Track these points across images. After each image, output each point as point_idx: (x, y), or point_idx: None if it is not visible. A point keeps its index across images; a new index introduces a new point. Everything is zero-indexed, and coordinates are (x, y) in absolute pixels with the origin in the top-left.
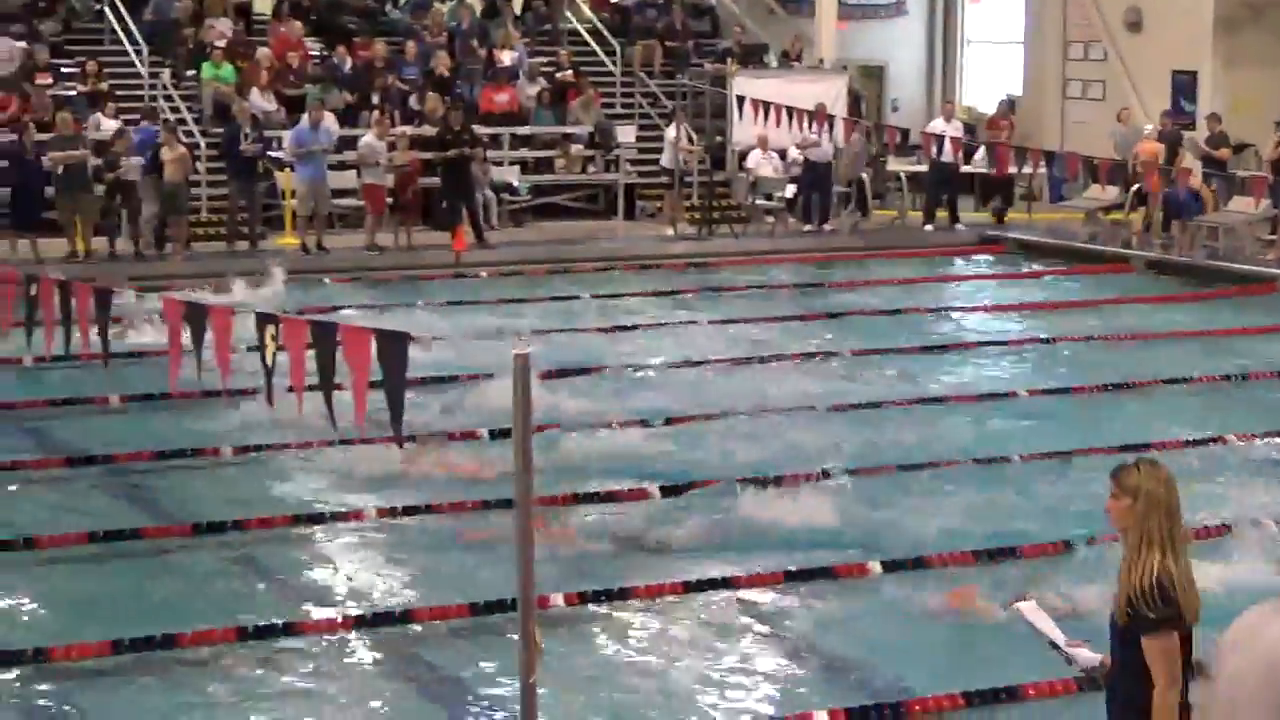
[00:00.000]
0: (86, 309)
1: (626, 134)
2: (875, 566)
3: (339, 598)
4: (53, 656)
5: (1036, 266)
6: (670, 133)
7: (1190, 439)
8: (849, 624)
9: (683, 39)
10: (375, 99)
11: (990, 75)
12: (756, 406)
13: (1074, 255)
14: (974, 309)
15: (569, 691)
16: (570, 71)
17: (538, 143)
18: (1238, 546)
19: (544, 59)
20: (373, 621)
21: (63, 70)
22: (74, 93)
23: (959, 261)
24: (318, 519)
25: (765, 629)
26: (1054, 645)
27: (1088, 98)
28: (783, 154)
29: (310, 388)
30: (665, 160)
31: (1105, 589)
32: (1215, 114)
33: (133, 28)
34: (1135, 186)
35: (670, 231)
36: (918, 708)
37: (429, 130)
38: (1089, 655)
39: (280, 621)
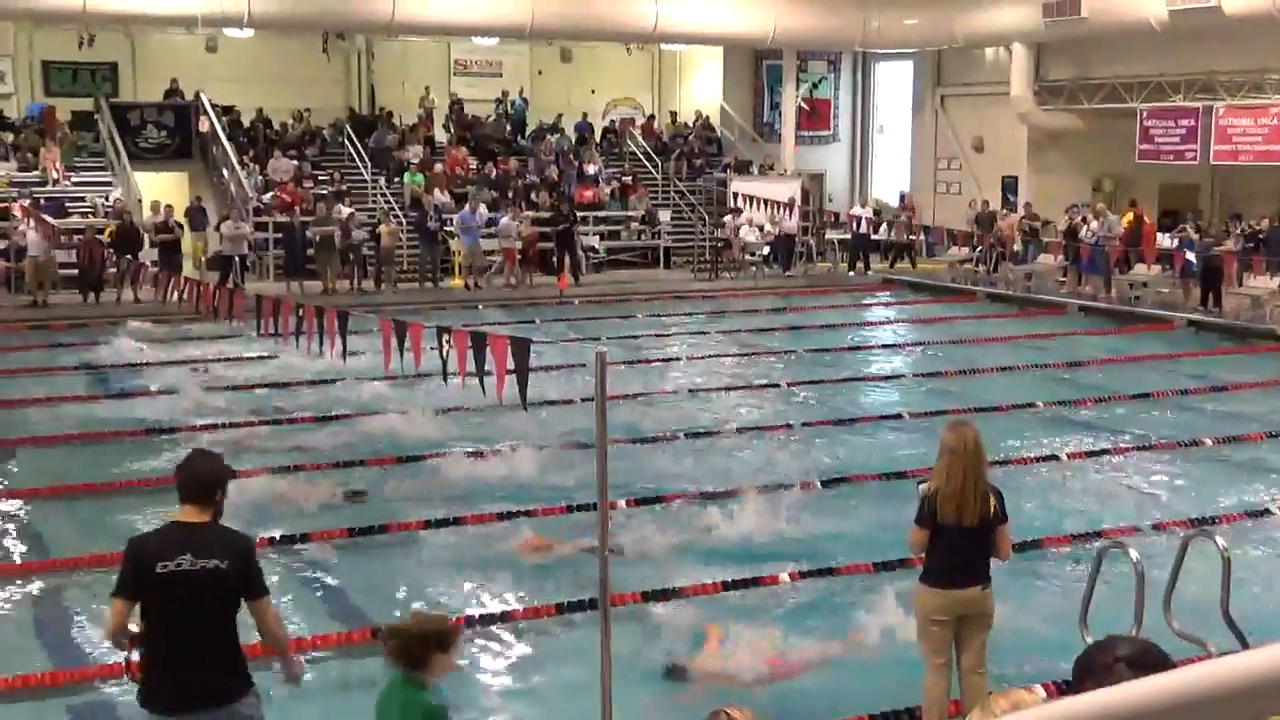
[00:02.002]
0: (333, 324)
1: (665, 215)
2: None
3: None
4: None
5: (917, 296)
6: (730, 220)
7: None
8: None
9: (699, 157)
10: (510, 194)
11: (889, 179)
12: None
13: (940, 290)
14: (878, 323)
15: None
16: (630, 177)
17: (610, 221)
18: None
19: (614, 169)
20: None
21: (319, 177)
22: (325, 191)
23: (870, 295)
24: None
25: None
26: None
27: (950, 193)
28: (761, 227)
29: (469, 373)
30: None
31: None
32: (1029, 202)
33: (361, 151)
34: (980, 247)
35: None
36: None
37: (544, 214)
38: None
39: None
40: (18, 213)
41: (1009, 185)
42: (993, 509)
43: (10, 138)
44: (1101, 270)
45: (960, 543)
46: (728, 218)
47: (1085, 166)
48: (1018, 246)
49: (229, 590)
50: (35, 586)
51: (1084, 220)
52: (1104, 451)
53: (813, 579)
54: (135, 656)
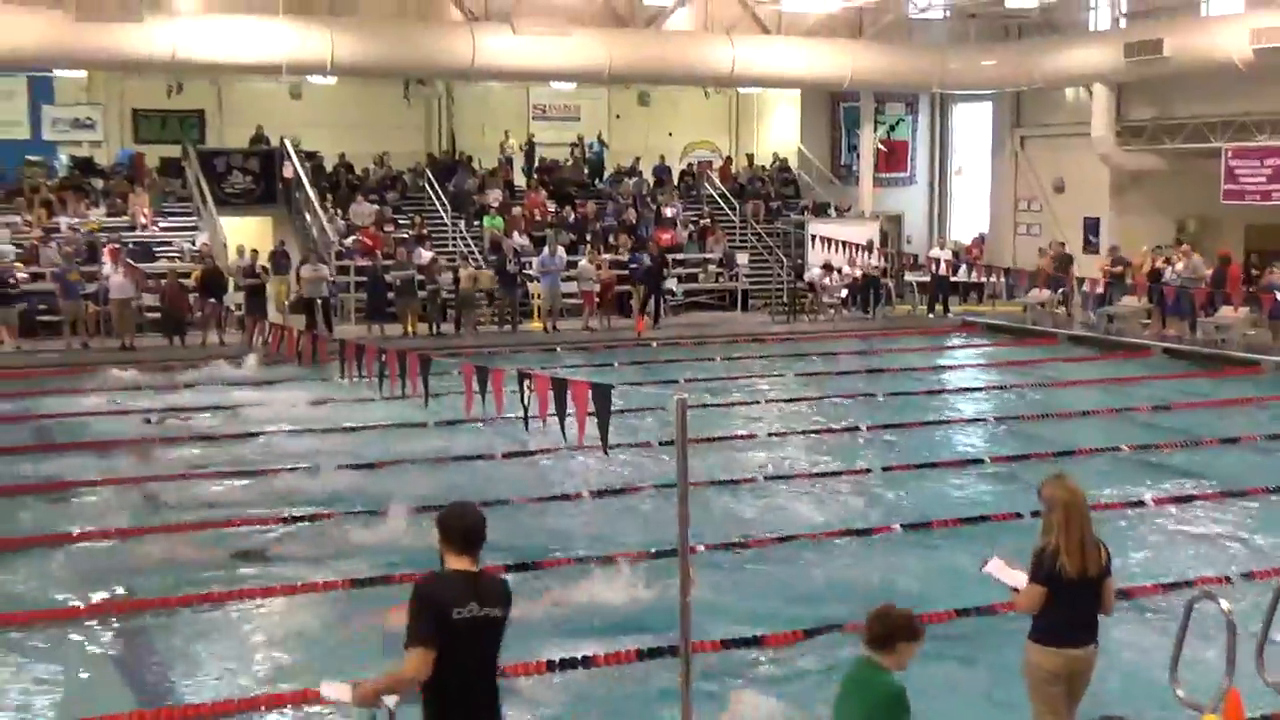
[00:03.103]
0: (415, 368)
1: (742, 258)
2: None
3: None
4: None
5: (996, 339)
6: (817, 272)
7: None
8: None
9: (776, 199)
10: (588, 237)
11: (967, 220)
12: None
13: (1021, 332)
14: (957, 366)
15: None
16: (708, 220)
17: (688, 264)
18: None
19: (691, 212)
20: None
21: (399, 221)
22: (406, 235)
23: (949, 337)
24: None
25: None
26: (1013, 589)
27: (1029, 234)
28: (839, 269)
29: (550, 414)
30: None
31: None
32: (1115, 245)
33: (441, 195)
34: (1061, 289)
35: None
36: None
37: (622, 256)
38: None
39: None
40: (106, 257)
41: (1090, 226)
42: (1104, 559)
43: (101, 184)
44: (1186, 312)
45: (1079, 597)
46: (815, 270)
47: (1168, 207)
48: (1100, 289)
49: (501, 635)
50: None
51: (1167, 261)
52: (1191, 497)
53: None
54: (391, 704)
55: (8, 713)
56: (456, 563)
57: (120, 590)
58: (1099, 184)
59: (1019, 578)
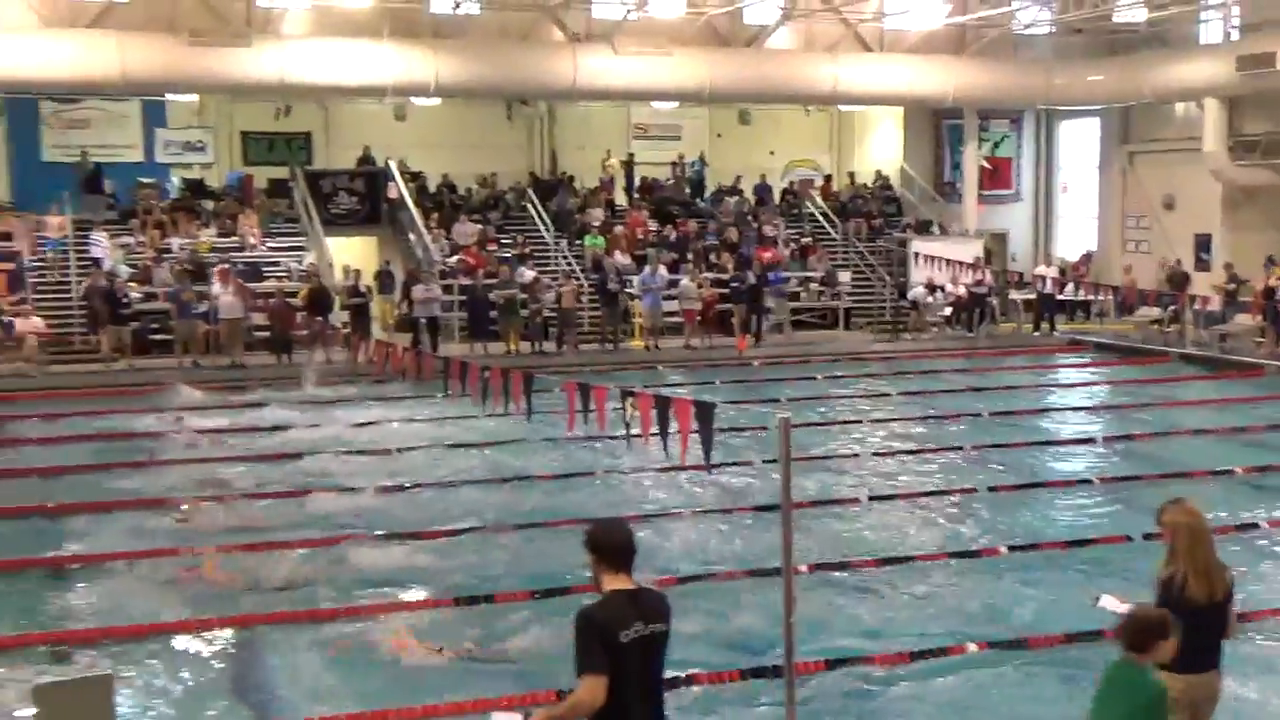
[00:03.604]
0: (518, 385)
1: (844, 276)
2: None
3: None
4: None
5: (1105, 357)
6: (920, 290)
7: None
8: None
9: (879, 217)
10: (689, 256)
11: (1074, 237)
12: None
13: (1130, 351)
14: (1064, 385)
15: None
16: (809, 238)
17: (790, 282)
18: None
19: (793, 230)
20: None
21: (502, 241)
22: (509, 255)
23: (1056, 356)
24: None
25: None
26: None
27: (1139, 251)
28: (942, 287)
29: (653, 434)
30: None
31: None
32: (1229, 262)
33: (544, 214)
34: (1172, 307)
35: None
36: None
37: (723, 275)
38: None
39: None
40: (216, 278)
41: (1202, 243)
42: (1229, 583)
43: (211, 205)
44: None
45: (1205, 623)
46: (918, 288)
47: None
48: (1214, 306)
49: (665, 650)
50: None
51: None
52: None
53: (999, 649)
54: None
55: None
56: (614, 582)
57: (238, 606)
58: (1210, 200)
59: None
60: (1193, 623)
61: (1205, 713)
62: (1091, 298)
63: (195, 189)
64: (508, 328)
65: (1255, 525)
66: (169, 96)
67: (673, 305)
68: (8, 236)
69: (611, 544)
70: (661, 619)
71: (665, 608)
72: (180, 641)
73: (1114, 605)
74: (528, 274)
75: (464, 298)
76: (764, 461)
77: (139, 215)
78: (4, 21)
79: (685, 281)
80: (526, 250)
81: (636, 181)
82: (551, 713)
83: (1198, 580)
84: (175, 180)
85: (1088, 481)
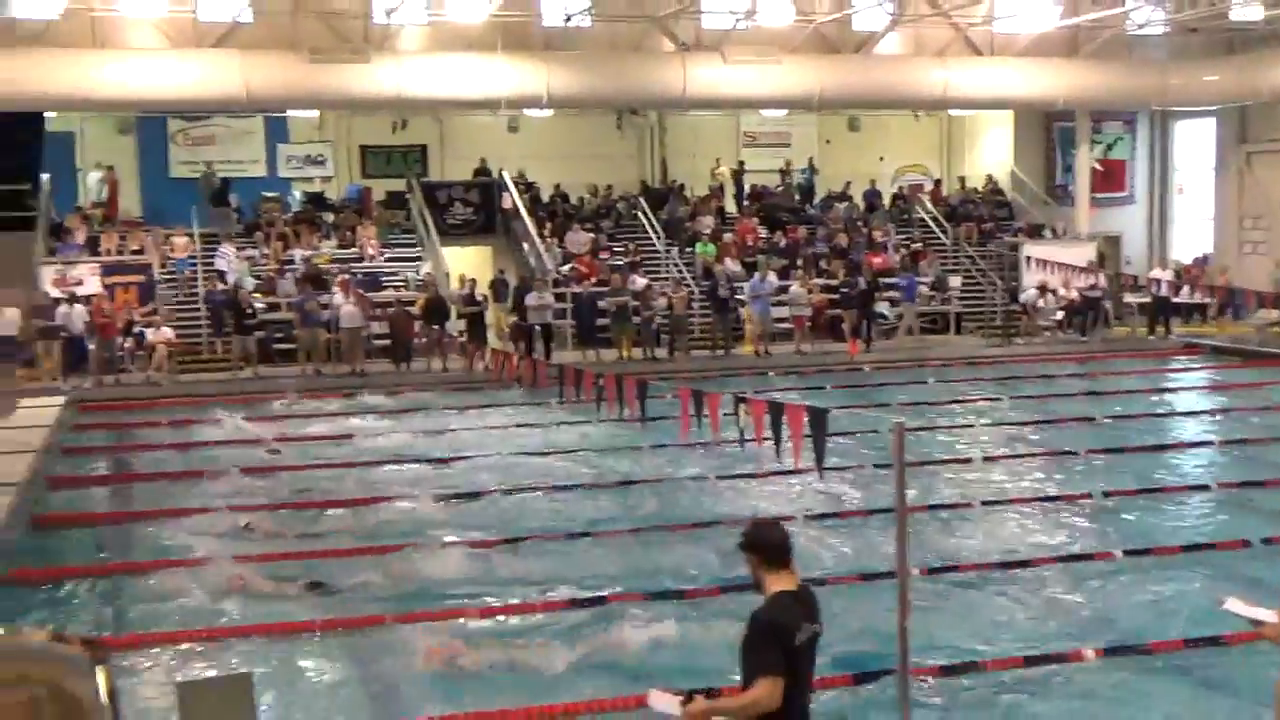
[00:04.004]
0: (632, 390)
1: (955, 281)
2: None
3: None
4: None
5: (1222, 361)
6: (1032, 293)
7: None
8: None
9: (989, 221)
10: (799, 262)
11: (1190, 239)
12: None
13: (1247, 354)
14: (1180, 389)
15: None
16: (920, 243)
17: (899, 287)
18: None
19: (902, 236)
20: None
21: (614, 249)
22: (620, 262)
23: (1171, 360)
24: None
25: None
26: (1255, 621)
27: (1256, 253)
28: (1055, 291)
29: (764, 439)
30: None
31: None
32: None
33: (654, 223)
34: None
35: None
36: None
37: (833, 281)
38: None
39: None
40: (337, 288)
41: None
42: None
43: (331, 218)
44: None
45: None
46: (1030, 292)
47: None
48: None
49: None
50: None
51: None
52: None
53: (1119, 655)
54: None
55: None
56: (778, 582)
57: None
58: None
59: (1261, 612)
60: None
61: None
62: (1207, 300)
63: (316, 202)
64: (620, 335)
65: None
66: (290, 113)
67: (783, 311)
68: (139, 251)
69: (770, 543)
70: (819, 617)
71: (819, 607)
72: (303, 643)
73: (1241, 609)
74: (639, 281)
75: (575, 305)
76: (875, 466)
77: (262, 228)
78: (133, 44)
79: (795, 287)
80: (638, 258)
81: (746, 189)
82: (714, 706)
83: None
84: (297, 194)
85: (1205, 486)
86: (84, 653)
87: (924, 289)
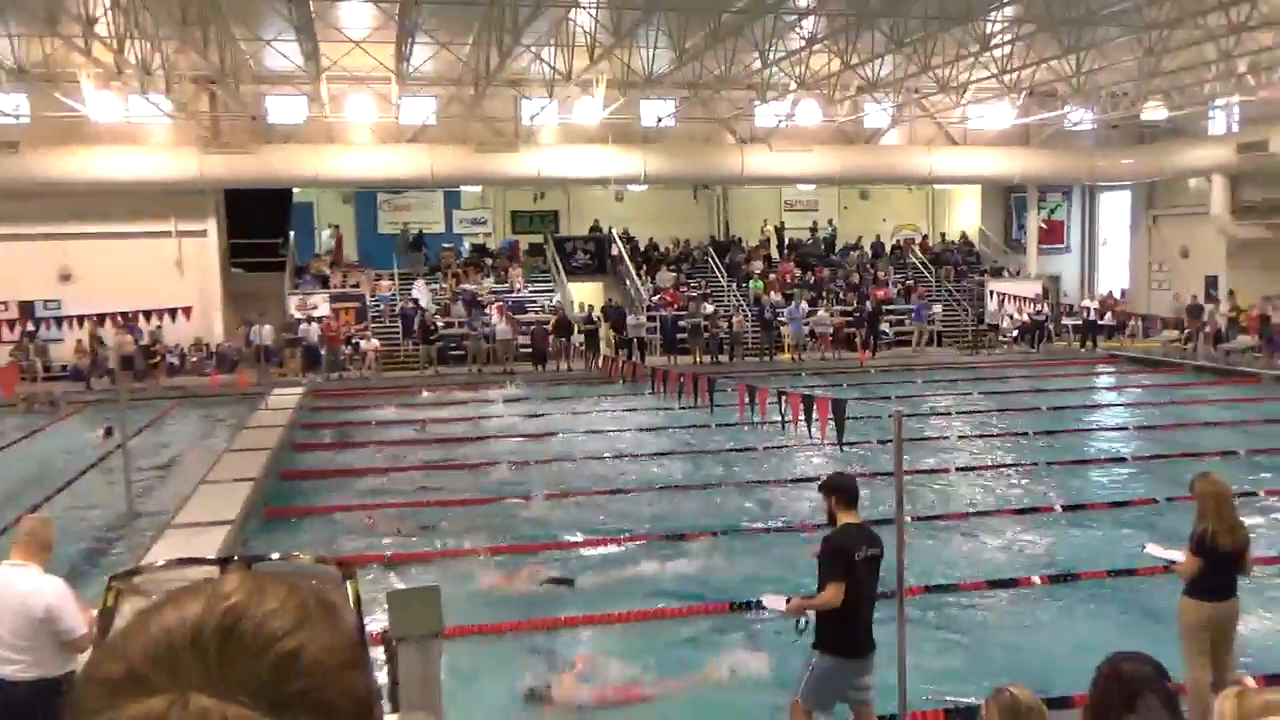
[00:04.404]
0: (704, 386)
1: (937, 309)
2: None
3: None
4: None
5: (1135, 368)
6: (1006, 321)
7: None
8: None
9: (963, 265)
10: (824, 294)
11: (1110, 278)
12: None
13: (1154, 363)
14: (1104, 388)
15: None
16: (912, 281)
17: (897, 313)
18: None
19: (899, 275)
20: None
21: (690, 284)
22: (695, 293)
23: (1098, 366)
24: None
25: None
26: (1170, 561)
27: (1161, 289)
28: (1011, 315)
29: (799, 420)
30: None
31: None
32: (1232, 291)
33: (719, 265)
34: (1186, 329)
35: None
36: None
37: (849, 307)
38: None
39: None
40: (495, 311)
41: (1210, 282)
42: (1245, 535)
43: (490, 261)
44: None
45: (1227, 565)
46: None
47: (1274, 266)
48: (1222, 328)
49: (879, 568)
50: None
51: (1274, 308)
52: None
53: (1058, 583)
54: (810, 617)
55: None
56: (846, 516)
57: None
58: (1216, 250)
59: (1173, 554)
60: (1217, 565)
61: (1229, 630)
62: (1125, 323)
63: (479, 251)
64: (694, 345)
65: (1254, 493)
66: (462, 188)
67: (811, 329)
68: (356, 285)
69: (844, 487)
70: (878, 545)
71: (878, 539)
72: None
73: (1158, 551)
74: (708, 308)
75: (662, 324)
76: (879, 442)
77: (442, 269)
78: (354, 140)
79: (821, 312)
80: (707, 290)
81: (786, 241)
82: (804, 602)
83: (1223, 534)
84: (466, 245)
85: (1123, 459)
86: (337, 569)
87: (928, 312)
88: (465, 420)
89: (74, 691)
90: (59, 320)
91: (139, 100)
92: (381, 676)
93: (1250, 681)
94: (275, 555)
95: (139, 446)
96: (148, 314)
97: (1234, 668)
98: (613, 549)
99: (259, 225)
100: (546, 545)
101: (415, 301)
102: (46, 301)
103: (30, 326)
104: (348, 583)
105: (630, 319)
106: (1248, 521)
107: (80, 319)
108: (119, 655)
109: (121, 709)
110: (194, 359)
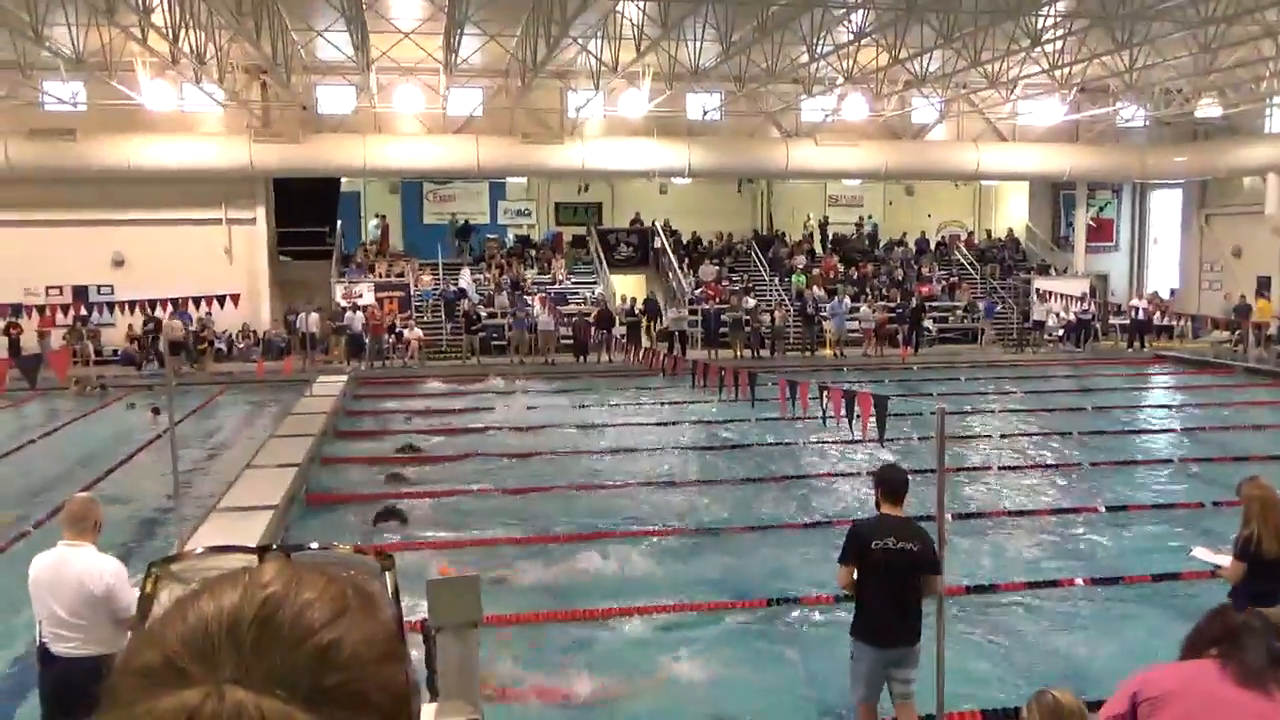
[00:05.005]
0: (745, 381)
1: (982, 305)
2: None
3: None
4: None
5: (1184, 369)
6: (1051, 320)
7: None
8: None
9: (1009, 262)
10: (868, 290)
11: (1161, 278)
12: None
13: (1203, 364)
14: (1151, 389)
15: None
16: (957, 278)
17: (941, 310)
18: None
19: (944, 272)
20: None
21: (732, 278)
22: (737, 287)
23: (1145, 367)
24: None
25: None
26: (1216, 566)
27: (1212, 289)
28: (1058, 314)
29: (841, 416)
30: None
31: None
32: None
33: (762, 259)
34: (1238, 330)
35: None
36: None
37: (892, 304)
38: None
39: None
40: (536, 302)
41: (1263, 283)
42: None
43: (534, 253)
44: None
45: (1272, 570)
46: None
47: None
48: (1273, 330)
49: (918, 565)
50: None
51: None
52: None
53: (1101, 585)
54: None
55: None
56: (885, 508)
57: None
58: (1271, 250)
59: (1220, 559)
60: (1260, 570)
61: None
62: (1173, 323)
63: (524, 242)
64: (735, 339)
65: None
66: (508, 179)
67: (854, 325)
68: (400, 274)
69: (886, 479)
70: (912, 540)
71: (921, 535)
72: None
73: (1206, 555)
74: (750, 302)
75: (704, 317)
76: (920, 439)
77: (486, 259)
78: (401, 130)
79: (864, 308)
80: (750, 284)
81: (830, 236)
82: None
83: (1267, 539)
84: (511, 235)
85: (1169, 461)
86: (376, 560)
87: (959, 311)
88: (507, 411)
89: (111, 679)
90: (111, 305)
91: (192, 89)
92: (420, 666)
93: None
94: (314, 544)
95: (186, 431)
96: (197, 300)
97: None
98: (646, 542)
99: (307, 214)
100: (583, 535)
101: (463, 291)
102: (100, 287)
103: (83, 311)
104: (386, 573)
105: (672, 312)
106: None
107: (132, 304)
108: (156, 644)
109: (157, 700)
110: (241, 345)
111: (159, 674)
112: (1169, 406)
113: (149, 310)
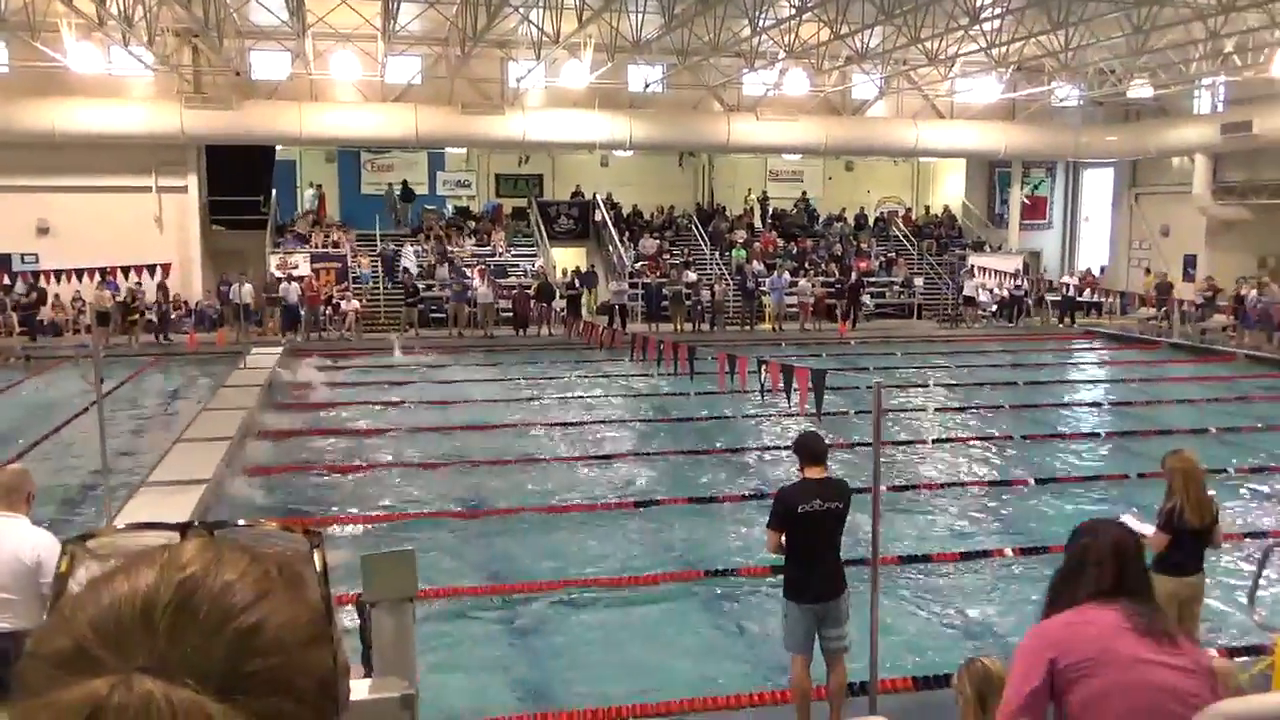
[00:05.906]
0: (684, 354)
1: (919, 282)
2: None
3: None
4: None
5: (1111, 345)
6: (984, 296)
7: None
8: None
9: (945, 239)
10: (806, 265)
11: (1091, 255)
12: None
13: (1130, 340)
14: (1080, 364)
15: None
16: (894, 254)
17: (878, 285)
18: None
19: (882, 248)
20: None
21: (673, 252)
22: (677, 261)
23: (1076, 342)
24: None
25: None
26: (1143, 535)
27: (1140, 267)
28: (990, 290)
29: (780, 389)
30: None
31: None
32: (1210, 276)
33: (703, 234)
34: (1164, 307)
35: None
36: None
37: (830, 279)
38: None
39: None
40: (475, 275)
41: (1189, 261)
42: (1215, 511)
43: (473, 224)
44: (1265, 327)
45: (1194, 540)
46: (965, 279)
47: (1253, 247)
48: (1194, 308)
49: (844, 520)
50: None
51: (1251, 288)
52: (1266, 468)
53: (1030, 555)
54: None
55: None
56: (808, 472)
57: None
58: (1197, 229)
59: (1146, 528)
60: (1184, 540)
61: (1194, 605)
62: (1102, 300)
63: (463, 213)
64: (675, 313)
65: (1225, 471)
66: (447, 150)
67: (793, 300)
68: (337, 245)
69: (810, 446)
70: (838, 499)
71: (844, 492)
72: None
73: (1134, 525)
74: (690, 276)
75: (643, 291)
76: (856, 413)
77: (425, 231)
78: (338, 98)
79: (802, 282)
80: (690, 259)
81: (770, 211)
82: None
83: (1191, 510)
84: (450, 207)
85: (1096, 434)
86: (304, 536)
87: (895, 286)
88: (442, 385)
89: (21, 665)
90: (36, 275)
91: (120, 52)
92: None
93: (1215, 655)
94: (240, 521)
95: (115, 404)
96: (126, 270)
97: (1199, 641)
98: (585, 515)
99: (241, 182)
100: (518, 510)
101: (397, 259)
102: (24, 255)
103: (6, 280)
104: (315, 551)
105: (613, 284)
106: (1218, 498)
107: (58, 274)
108: (66, 629)
109: (64, 690)
110: (172, 316)
111: (69, 661)
112: (1097, 381)
113: (75, 280)
